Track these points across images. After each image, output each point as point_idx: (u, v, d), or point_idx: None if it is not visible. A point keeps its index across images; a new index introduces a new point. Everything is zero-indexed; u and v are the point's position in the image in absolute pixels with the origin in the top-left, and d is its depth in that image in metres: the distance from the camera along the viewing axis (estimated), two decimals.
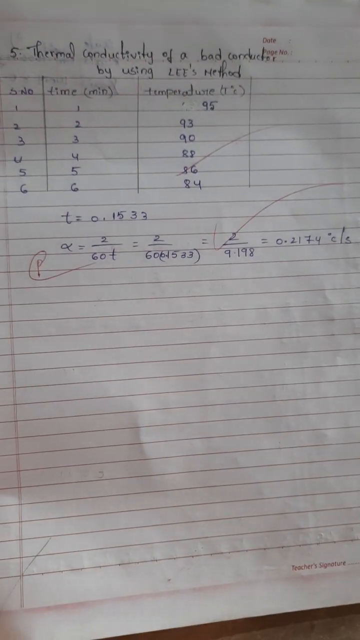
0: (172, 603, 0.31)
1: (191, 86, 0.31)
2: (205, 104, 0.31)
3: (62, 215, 0.31)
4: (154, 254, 0.31)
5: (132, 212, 0.31)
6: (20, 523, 0.30)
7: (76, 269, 0.31)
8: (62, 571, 0.30)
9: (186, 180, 0.32)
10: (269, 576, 0.32)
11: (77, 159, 0.31)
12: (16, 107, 0.30)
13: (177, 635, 0.31)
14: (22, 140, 0.30)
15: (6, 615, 0.30)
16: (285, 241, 0.32)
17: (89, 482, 0.31)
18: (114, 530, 0.31)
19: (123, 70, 0.31)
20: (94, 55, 0.30)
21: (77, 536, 0.30)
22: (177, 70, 0.31)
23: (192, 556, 0.31)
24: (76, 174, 0.31)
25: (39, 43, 0.30)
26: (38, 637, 0.30)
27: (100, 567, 0.30)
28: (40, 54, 0.30)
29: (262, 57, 0.32)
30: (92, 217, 0.31)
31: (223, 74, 0.31)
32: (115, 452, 0.31)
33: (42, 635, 0.30)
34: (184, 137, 0.32)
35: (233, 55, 0.31)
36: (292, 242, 0.32)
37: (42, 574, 0.30)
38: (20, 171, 0.30)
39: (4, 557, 0.30)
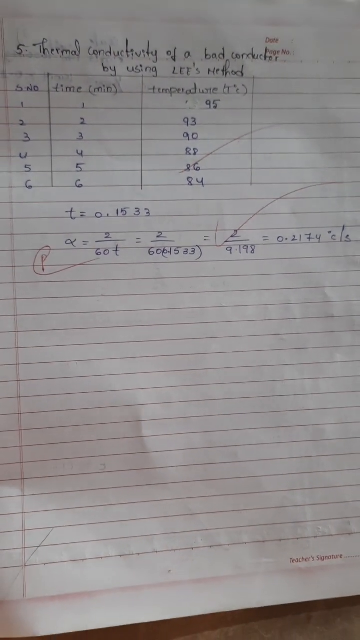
0: (172, 594, 0.31)
1: (195, 85, 0.32)
2: (208, 102, 0.32)
3: (67, 211, 0.31)
4: (157, 250, 0.32)
5: (136, 208, 0.32)
6: (23, 514, 0.30)
7: (80, 264, 0.31)
8: (64, 562, 0.30)
9: (189, 177, 0.32)
10: (268, 568, 0.32)
11: (82, 155, 0.31)
12: (22, 103, 0.30)
13: (177, 625, 0.32)
14: (27, 137, 0.31)
15: (9, 604, 0.30)
16: (286, 239, 0.33)
17: (91, 475, 0.31)
18: (115, 522, 0.31)
19: (128, 68, 0.31)
20: (99, 53, 0.31)
21: (79, 527, 0.31)
22: (181, 68, 0.31)
23: (192, 548, 0.32)
24: (81, 171, 0.31)
25: (45, 40, 0.30)
26: (40, 626, 0.30)
27: (101, 558, 0.31)
28: (46, 51, 0.30)
29: (265, 57, 0.32)
30: (96, 213, 0.31)
31: (226, 73, 0.32)
32: (117, 445, 0.31)
33: (44, 624, 0.30)
34: (187, 135, 0.32)
35: (236, 55, 0.32)
36: (292, 239, 0.33)
37: (45, 564, 0.30)
38: (26, 167, 0.31)
39: (7, 548, 0.30)
